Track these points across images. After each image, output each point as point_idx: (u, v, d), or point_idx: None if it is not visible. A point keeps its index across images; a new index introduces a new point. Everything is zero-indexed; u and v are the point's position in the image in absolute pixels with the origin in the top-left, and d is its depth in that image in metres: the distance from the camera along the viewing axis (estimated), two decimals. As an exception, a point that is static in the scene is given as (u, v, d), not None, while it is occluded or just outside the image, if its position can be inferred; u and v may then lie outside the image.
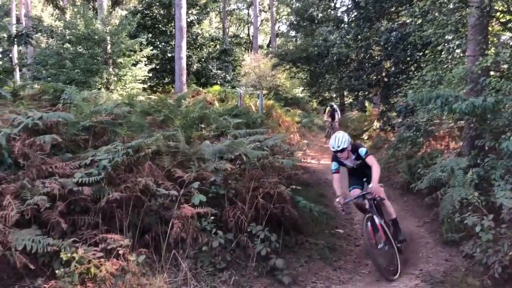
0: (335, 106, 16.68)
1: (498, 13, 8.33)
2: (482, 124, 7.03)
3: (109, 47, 14.39)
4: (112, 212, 4.49)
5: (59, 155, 4.89)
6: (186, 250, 4.51)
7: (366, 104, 15.63)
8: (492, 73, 8.03)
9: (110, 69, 14.19)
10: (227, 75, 23.59)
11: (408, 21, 11.77)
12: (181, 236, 4.44)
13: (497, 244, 4.85)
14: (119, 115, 5.99)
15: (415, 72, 11.05)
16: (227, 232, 4.92)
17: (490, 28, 8.45)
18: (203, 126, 7.99)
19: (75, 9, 14.92)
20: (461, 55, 8.88)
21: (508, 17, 8.40)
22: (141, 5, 21.58)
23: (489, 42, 8.42)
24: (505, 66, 7.60)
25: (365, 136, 14.39)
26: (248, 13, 44.00)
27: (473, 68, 7.13)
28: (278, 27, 42.04)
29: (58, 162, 4.55)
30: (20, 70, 19.39)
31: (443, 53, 9.47)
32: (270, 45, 35.38)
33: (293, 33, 32.59)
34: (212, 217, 4.73)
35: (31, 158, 4.45)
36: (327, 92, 25.61)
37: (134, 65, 15.24)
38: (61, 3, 24.53)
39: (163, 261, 4.39)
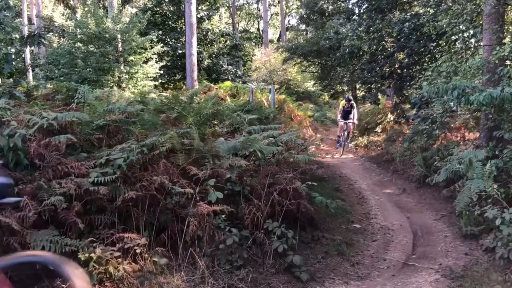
0: (352, 101, 12.94)
1: (515, 1, 8.15)
2: (500, 115, 6.90)
3: (120, 45, 14.43)
4: (128, 211, 4.49)
5: (74, 155, 4.89)
6: (203, 248, 4.49)
7: (379, 96, 15.45)
8: (508, 62, 7.87)
9: (122, 67, 14.24)
10: (238, 71, 23.55)
11: (421, 11, 11.60)
12: (197, 234, 4.42)
13: (518, 237, 4.76)
14: (132, 113, 5.97)
15: (430, 63, 10.92)
16: (243, 229, 4.89)
17: (506, 17, 8.28)
18: (216, 122, 7.96)
19: (86, 8, 14.98)
20: (476, 45, 8.73)
21: (524, 5, 8.22)
22: (151, 2, 21.60)
23: (506, 31, 8.25)
24: (523, 55, 7.44)
25: (378, 129, 14.22)
26: (257, 7, 43.86)
27: (489, 58, 7.00)
28: (288, 20, 41.83)
29: (74, 162, 4.55)
30: (33, 70, 19.56)
31: (458, 43, 9.34)
32: (280, 39, 35.19)
33: (303, 26, 32.38)
34: (227, 215, 4.71)
35: (46, 159, 4.45)
36: (338, 85, 25.41)
37: (145, 62, 15.27)
38: (71, 2, 24.71)
39: (180, 260, 4.38)
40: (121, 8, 17.64)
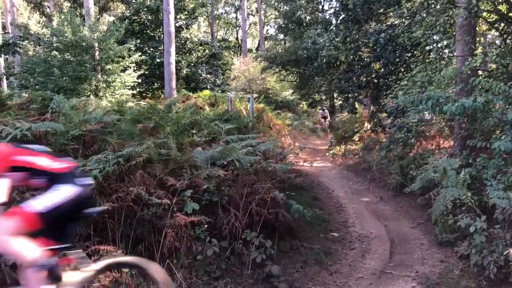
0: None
1: (485, 13, 8.40)
2: (473, 124, 7.07)
3: (97, 53, 14.26)
4: (104, 223, 4.42)
5: (49, 166, 4.79)
6: (181, 260, 4.45)
7: (356, 105, 15.66)
8: (480, 72, 8.09)
9: (99, 76, 14.06)
10: (216, 79, 23.52)
11: (396, 22, 11.83)
12: (175, 246, 4.38)
13: (491, 244, 4.86)
14: (109, 123, 5.92)
15: (405, 73, 11.10)
16: (221, 240, 4.87)
17: (477, 28, 8.52)
18: (194, 132, 7.92)
19: (62, 16, 14.76)
20: (450, 55, 8.94)
21: (494, 17, 8.47)
22: (128, 11, 21.45)
23: (477, 42, 8.49)
24: (493, 66, 7.66)
25: (356, 138, 14.38)
26: (236, 17, 44.00)
27: (462, 69, 7.17)
28: (267, 30, 42.09)
29: (48, 173, 4.46)
30: (7, 79, 19.18)
31: (432, 53, 9.54)
32: (259, 48, 35.36)
33: (281, 36, 32.62)
34: (206, 225, 4.68)
35: (19, 170, 4.35)
36: (317, 95, 25.66)
37: (123, 71, 15.11)
38: (47, 10, 24.37)
39: (157, 272, 4.32)
40: (98, 17, 17.49)
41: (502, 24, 8.40)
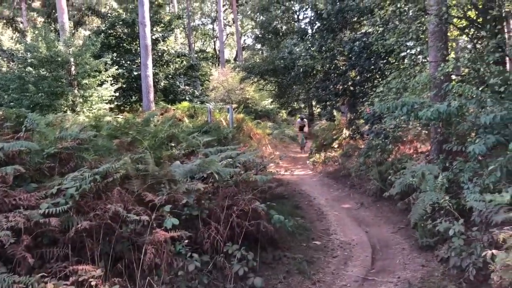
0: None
1: (455, 19, 8.61)
2: (448, 128, 7.20)
3: (73, 68, 14.09)
4: (82, 242, 4.34)
5: (23, 186, 4.71)
6: (161, 276, 4.39)
7: (334, 113, 15.81)
8: (454, 77, 8.26)
9: (75, 91, 13.88)
10: (195, 91, 23.45)
11: (370, 30, 12.01)
12: (155, 262, 4.32)
13: (470, 247, 4.93)
14: (85, 140, 5.84)
15: (380, 80, 11.29)
16: (202, 254, 4.83)
17: (449, 34, 8.71)
18: (173, 145, 7.87)
19: (36, 31, 14.55)
20: (424, 61, 9.11)
21: (464, 23, 8.69)
22: (104, 25, 21.29)
23: (449, 48, 8.67)
24: (466, 70, 7.83)
25: (335, 145, 14.50)
26: (213, 28, 44.12)
27: (435, 74, 7.31)
28: (244, 40, 42.31)
29: (23, 193, 4.38)
30: (-20, 97, 18.75)
31: (406, 60, 9.70)
32: (237, 59, 35.48)
33: (259, 46, 32.80)
34: (187, 240, 4.64)
35: (-8, 192, 4.26)
36: (295, 103, 25.82)
37: (100, 85, 14.97)
38: (21, 25, 24.03)
39: (138, 289, 4.26)
40: (73, 31, 17.30)
41: (472, 30, 8.61)
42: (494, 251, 4.28)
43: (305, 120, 19.05)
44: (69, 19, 19.74)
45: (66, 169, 5.32)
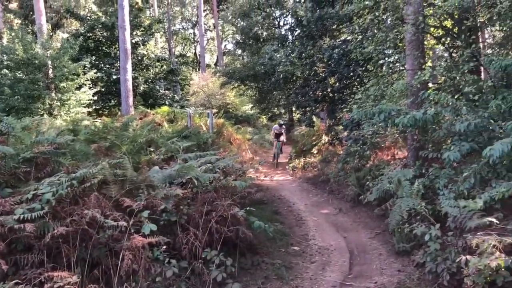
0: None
1: (432, 29, 8.81)
2: (425, 135, 7.35)
3: (50, 71, 13.91)
4: (58, 248, 4.28)
5: (-2, 191, 4.61)
6: (139, 282, 4.34)
7: (314, 119, 15.94)
8: (431, 85, 8.44)
9: (53, 94, 13.70)
10: (175, 95, 23.38)
11: (349, 38, 12.21)
12: (132, 268, 4.28)
13: (445, 252, 5.03)
14: (62, 144, 5.76)
15: (359, 87, 11.45)
16: (181, 260, 4.80)
17: (426, 43, 8.91)
18: (152, 150, 7.82)
19: (13, 33, 14.35)
20: (401, 69, 9.30)
21: (441, 32, 8.90)
22: (83, 28, 21.08)
23: (426, 56, 8.87)
24: (442, 79, 8.01)
25: (314, 151, 14.60)
26: (193, 32, 44.06)
27: (412, 82, 7.46)
28: (225, 45, 42.35)
29: (-4, 199, 4.29)
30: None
31: (384, 68, 9.88)
32: (218, 64, 35.49)
33: (239, 51, 32.90)
34: (165, 246, 4.61)
35: (-35, 198, 4.17)
36: (276, 108, 25.94)
37: (78, 89, 14.81)
38: (-4, 27, 23.57)
39: (115, 296, 4.21)
40: (51, 34, 17.07)
41: (448, 39, 8.82)
42: (468, 256, 4.38)
43: (283, 126, 16.24)
44: (47, 21, 19.49)
45: (42, 174, 5.23)
